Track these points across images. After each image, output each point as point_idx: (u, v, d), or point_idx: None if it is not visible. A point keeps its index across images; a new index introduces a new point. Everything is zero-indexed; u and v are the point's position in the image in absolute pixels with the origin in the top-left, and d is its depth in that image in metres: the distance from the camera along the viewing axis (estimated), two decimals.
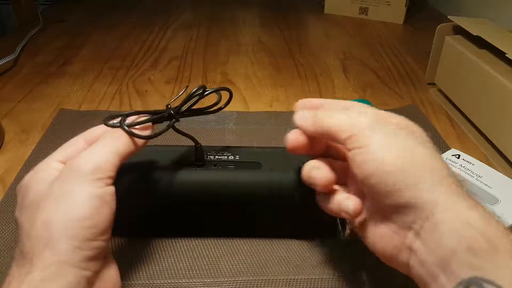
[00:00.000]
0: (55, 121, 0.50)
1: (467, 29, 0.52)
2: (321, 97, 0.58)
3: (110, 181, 0.24)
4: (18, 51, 0.68)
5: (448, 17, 0.56)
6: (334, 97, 0.58)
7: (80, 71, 0.64)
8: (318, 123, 0.26)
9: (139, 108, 0.54)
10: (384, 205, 0.23)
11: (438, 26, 0.57)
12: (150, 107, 0.54)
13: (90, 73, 0.63)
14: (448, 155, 0.44)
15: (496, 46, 0.47)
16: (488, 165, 0.43)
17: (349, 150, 0.24)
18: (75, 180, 0.23)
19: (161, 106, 0.54)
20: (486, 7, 0.79)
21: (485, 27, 0.53)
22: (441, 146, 0.46)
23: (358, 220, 0.26)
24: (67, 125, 0.49)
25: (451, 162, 0.43)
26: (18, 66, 0.65)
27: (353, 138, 0.24)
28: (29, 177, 0.25)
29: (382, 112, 0.26)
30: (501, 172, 0.42)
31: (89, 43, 0.75)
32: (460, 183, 0.23)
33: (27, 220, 0.23)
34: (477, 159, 0.44)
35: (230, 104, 0.56)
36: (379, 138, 0.24)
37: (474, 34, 0.51)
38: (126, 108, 0.54)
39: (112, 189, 0.24)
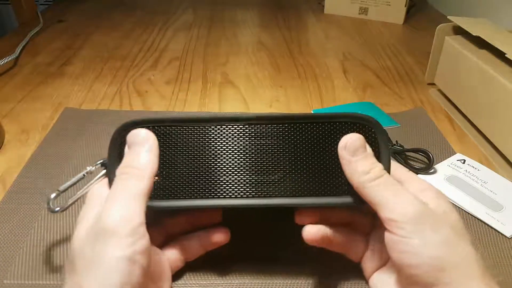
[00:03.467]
0: (60, 119, 0.50)
1: (467, 29, 0.52)
2: (321, 97, 0.58)
3: (142, 229, 0.22)
4: (19, 51, 0.68)
5: (448, 17, 0.56)
6: (334, 97, 0.58)
7: (80, 71, 0.64)
8: (368, 188, 0.25)
9: (139, 109, 0.54)
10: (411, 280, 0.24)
11: (438, 26, 0.57)
12: (150, 107, 0.54)
13: (90, 73, 0.63)
14: (453, 160, 0.44)
15: (496, 46, 0.47)
16: (488, 165, 0.43)
17: (389, 232, 0.24)
18: (103, 242, 0.21)
19: (161, 107, 0.54)
20: (486, 7, 0.79)
21: (485, 27, 0.53)
22: (447, 151, 0.46)
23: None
24: (72, 124, 0.49)
25: (456, 167, 0.43)
26: (18, 66, 0.65)
27: (397, 224, 0.24)
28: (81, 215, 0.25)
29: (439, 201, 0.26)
30: (501, 173, 0.42)
31: (89, 43, 0.75)
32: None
33: (68, 274, 0.23)
34: (476, 159, 0.44)
35: (231, 105, 0.56)
36: (426, 234, 0.23)
37: (474, 34, 0.51)
38: (126, 108, 0.54)
39: (143, 242, 0.22)
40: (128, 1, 1.01)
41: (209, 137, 0.28)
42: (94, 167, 0.29)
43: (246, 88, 0.60)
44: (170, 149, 0.28)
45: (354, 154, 0.26)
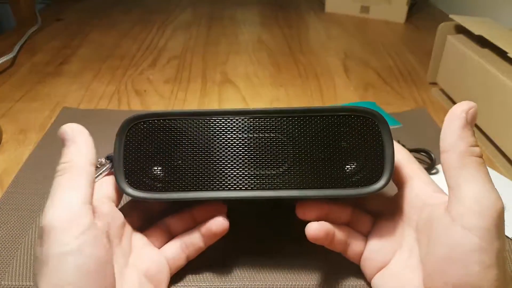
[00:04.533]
0: (58, 119, 0.49)
1: (469, 28, 0.52)
2: (322, 96, 0.57)
3: (82, 221, 0.22)
4: (16, 50, 0.67)
5: (450, 16, 0.56)
6: (335, 96, 0.57)
7: (78, 70, 0.64)
8: (469, 161, 0.24)
9: (138, 108, 0.53)
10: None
11: (440, 25, 0.57)
12: (149, 107, 0.54)
13: (88, 72, 0.63)
14: None
15: (498, 45, 0.47)
16: (490, 165, 0.43)
17: (453, 218, 0.23)
18: (46, 241, 0.21)
19: (159, 106, 0.54)
20: (488, 6, 0.79)
21: (487, 26, 0.52)
22: None
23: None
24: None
25: None
26: (16, 65, 0.65)
27: (465, 210, 0.22)
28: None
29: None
30: (503, 173, 0.42)
31: (88, 42, 0.75)
32: None
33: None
34: None
35: (231, 105, 0.56)
36: (491, 236, 0.22)
37: (476, 34, 0.50)
38: (124, 108, 0.53)
39: (89, 233, 0.22)
40: (127, 0, 1.01)
41: (213, 130, 0.28)
42: (103, 160, 0.29)
43: (246, 87, 0.60)
44: (174, 142, 0.28)
45: (471, 122, 0.24)
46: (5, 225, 0.34)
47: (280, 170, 0.28)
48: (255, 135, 0.28)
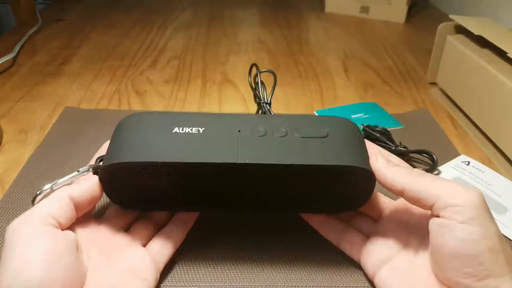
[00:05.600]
0: (60, 118, 0.49)
1: (469, 28, 0.52)
2: (322, 96, 0.57)
3: (62, 223, 0.25)
4: (17, 50, 0.67)
5: (450, 16, 0.56)
6: (335, 96, 0.58)
7: (79, 70, 0.64)
8: (421, 181, 0.26)
9: (138, 108, 0.53)
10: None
11: (440, 25, 0.57)
12: (149, 107, 0.54)
13: (88, 72, 0.63)
14: (457, 161, 0.43)
15: (498, 45, 0.47)
16: (490, 166, 0.43)
17: (447, 219, 0.24)
18: (23, 225, 0.24)
19: (159, 107, 0.54)
20: (488, 6, 0.79)
21: (486, 26, 0.52)
22: (451, 152, 0.45)
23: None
24: (72, 123, 0.48)
25: (460, 169, 0.42)
26: (16, 65, 0.65)
27: (459, 210, 0.24)
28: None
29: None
30: (503, 174, 0.42)
31: (88, 43, 0.75)
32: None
33: None
34: (478, 160, 0.44)
35: (231, 104, 0.57)
36: (487, 223, 0.23)
37: (476, 34, 0.50)
38: (125, 108, 0.53)
39: (45, 230, 0.24)
40: (127, 0, 1.01)
41: (202, 175, 0.28)
42: (88, 168, 0.29)
43: (246, 87, 0.60)
44: (155, 182, 0.28)
45: (387, 161, 0.27)
46: (6, 225, 0.34)
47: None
48: (243, 181, 0.29)
